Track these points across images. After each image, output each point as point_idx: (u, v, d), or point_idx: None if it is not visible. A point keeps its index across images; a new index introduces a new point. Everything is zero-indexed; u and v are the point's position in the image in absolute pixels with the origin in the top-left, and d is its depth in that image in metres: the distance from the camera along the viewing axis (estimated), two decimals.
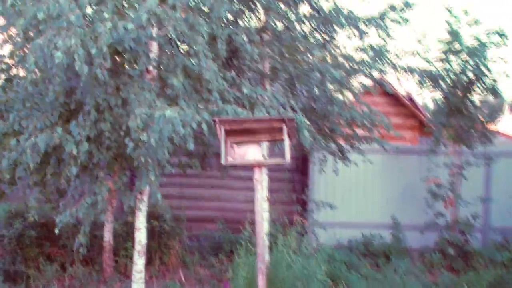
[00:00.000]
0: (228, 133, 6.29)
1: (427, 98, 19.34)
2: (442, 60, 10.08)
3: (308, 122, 7.10)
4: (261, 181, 6.39)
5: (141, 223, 7.19)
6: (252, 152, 6.35)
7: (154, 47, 6.73)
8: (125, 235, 9.84)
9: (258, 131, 6.40)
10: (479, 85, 10.03)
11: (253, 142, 6.58)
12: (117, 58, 6.67)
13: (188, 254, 10.57)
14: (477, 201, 10.43)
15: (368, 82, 9.25)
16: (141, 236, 7.21)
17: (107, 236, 9.26)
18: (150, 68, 6.86)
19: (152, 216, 9.87)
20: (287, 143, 6.23)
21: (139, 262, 7.20)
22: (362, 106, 8.83)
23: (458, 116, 10.19)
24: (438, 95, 10.55)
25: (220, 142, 6.22)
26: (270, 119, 6.26)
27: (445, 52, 10.07)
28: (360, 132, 9.16)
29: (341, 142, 9.32)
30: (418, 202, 11.23)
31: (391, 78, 9.19)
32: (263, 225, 6.41)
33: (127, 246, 9.59)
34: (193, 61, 6.43)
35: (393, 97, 15.69)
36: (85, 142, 6.14)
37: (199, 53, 6.35)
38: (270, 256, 7.73)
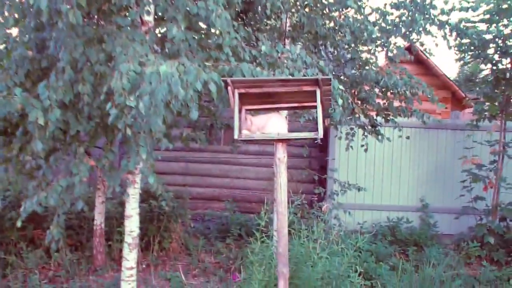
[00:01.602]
0: (243, 98, 4.66)
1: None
2: (488, 21, 8.29)
3: (341, 87, 5.42)
4: (285, 161, 4.75)
5: (132, 209, 5.57)
6: (274, 124, 4.73)
7: None
8: (119, 216, 8.28)
9: (281, 96, 4.77)
10: None
11: (274, 111, 4.95)
12: (102, 2, 4.99)
13: (191, 239, 9.00)
14: None
15: (400, 45, 7.48)
16: (132, 226, 5.60)
17: (98, 218, 7.69)
18: (146, 18, 5.19)
19: (150, 195, 8.35)
20: (320, 111, 4.60)
21: (129, 258, 5.59)
22: (397, 72, 7.12)
23: (507, 87, 8.47)
24: (479, 62, 8.80)
25: (232, 110, 4.60)
26: (300, 79, 4.60)
27: (491, 12, 8.29)
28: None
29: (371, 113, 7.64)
30: (450, 183, 9.66)
31: (424, 43, 7.30)
32: (286, 218, 4.77)
33: (122, 230, 8.06)
34: (199, 5, 4.72)
35: (422, 66, 13.88)
36: (56, 108, 4.47)
37: None
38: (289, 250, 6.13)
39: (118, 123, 4.34)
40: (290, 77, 5.14)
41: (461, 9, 7.22)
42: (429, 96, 6.83)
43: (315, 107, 4.81)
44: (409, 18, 6.77)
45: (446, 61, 57.87)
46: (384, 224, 9.48)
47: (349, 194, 9.01)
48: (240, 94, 4.58)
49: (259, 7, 6.36)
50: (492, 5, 8.18)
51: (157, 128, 4.08)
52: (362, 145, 7.68)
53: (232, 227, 9.35)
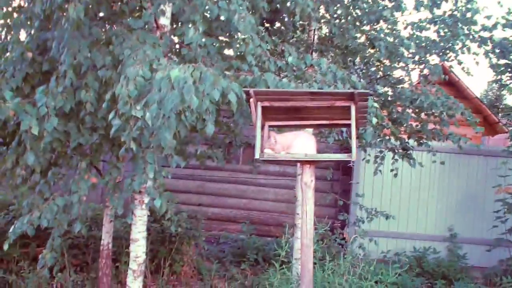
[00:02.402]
0: (267, 113, 4.00)
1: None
2: None
3: (376, 105, 4.72)
4: (312, 186, 4.07)
5: (139, 232, 4.91)
6: (301, 143, 4.06)
7: None
8: (128, 236, 7.63)
9: (310, 112, 4.10)
10: None
11: (301, 128, 4.28)
12: (113, 1, 4.38)
13: (204, 262, 8.29)
14: None
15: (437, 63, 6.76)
16: (138, 251, 4.93)
17: (106, 238, 6.99)
18: (161, 21, 4.57)
19: (162, 215, 7.66)
20: (354, 130, 3.92)
21: (133, 286, 4.91)
22: (433, 92, 6.41)
23: None
24: None
25: (254, 125, 3.94)
26: (333, 93, 3.94)
27: None
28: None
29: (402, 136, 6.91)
30: (481, 212, 8.87)
31: (462, 61, 6.57)
32: (311, 251, 4.08)
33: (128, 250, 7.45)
34: (219, 4, 4.06)
35: (453, 87, 13.03)
36: (53, 117, 3.83)
37: None
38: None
39: (122, 136, 3.69)
40: (321, 90, 4.46)
41: (504, 26, 6.51)
42: (468, 118, 6.10)
43: (348, 125, 4.14)
44: (449, 33, 6.07)
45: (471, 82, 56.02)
46: (410, 254, 8.71)
47: (373, 221, 8.27)
48: (264, 108, 3.91)
49: (286, 16, 5.72)
50: None
51: (167, 143, 3.41)
52: (392, 170, 6.95)
53: (248, 252, 8.64)
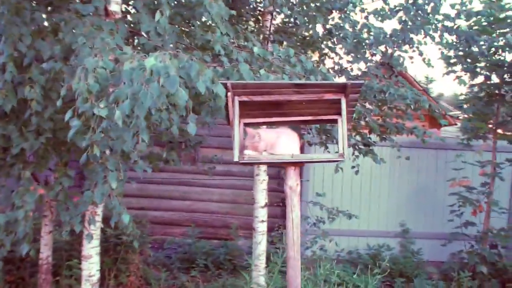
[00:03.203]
0: (242, 109, 3.43)
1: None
2: (482, 31, 7.28)
3: None
4: (298, 190, 3.55)
5: (92, 248, 4.25)
6: (286, 142, 3.54)
7: None
8: (69, 248, 6.89)
9: (292, 107, 3.59)
10: None
11: (281, 125, 3.75)
12: None
13: (151, 270, 7.62)
14: None
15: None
16: (91, 269, 4.28)
17: (45, 251, 6.22)
18: (112, 7, 3.91)
19: (104, 222, 6.95)
20: (344, 126, 3.44)
21: None
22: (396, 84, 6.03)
23: (499, 103, 7.52)
24: (467, 77, 7.81)
25: (231, 123, 3.39)
26: (323, 84, 3.46)
27: (481, 24, 7.30)
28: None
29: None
30: (433, 206, 8.65)
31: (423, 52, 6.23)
32: (299, 265, 3.58)
33: (72, 264, 6.68)
34: None
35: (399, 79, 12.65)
36: None
37: None
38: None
39: (79, 140, 3.03)
40: (309, 81, 3.95)
41: (468, 15, 6.22)
42: (436, 111, 5.76)
43: (333, 121, 3.67)
44: (419, 21, 5.68)
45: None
46: (365, 252, 8.37)
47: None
48: (241, 103, 3.37)
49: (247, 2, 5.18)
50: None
51: (129, 147, 2.78)
52: (353, 167, 6.53)
53: (197, 257, 8.03)
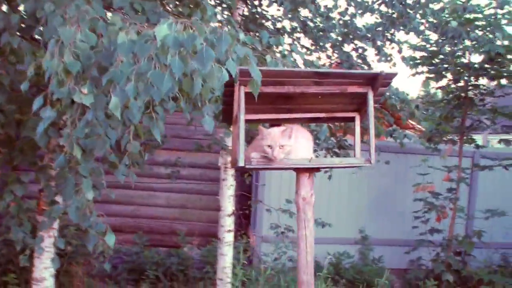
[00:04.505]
0: (246, 102, 2.74)
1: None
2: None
3: None
4: (312, 201, 2.90)
5: (45, 269, 3.41)
6: (303, 144, 2.90)
7: None
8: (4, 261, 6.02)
9: (304, 102, 2.94)
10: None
11: (291, 122, 3.07)
12: None
13: (97, 283, 6.77)
14: (485, 213, 7.35)
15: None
16: None
17: None
18: None
19: None
20: (372, 125, 2.83)
21: None
22: None
23: (465, 107, 7.13)
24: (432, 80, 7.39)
25: (235, 120, 2.73)
26: (348, 75, 2.82)
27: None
28: None
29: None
30: (394, 212, 8.19)
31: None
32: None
33: (7, 279, 5.80)
34: None
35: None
36: None
37: None
38: None
39: (41, 139, 2.24)
40: (334, 70, 3.30)
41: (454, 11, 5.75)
42: (424, 112, 5.27)
43: (350, 118, 3.05)
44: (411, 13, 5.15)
45: None
46: (322, 259, 7.80)
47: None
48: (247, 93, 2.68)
49: None
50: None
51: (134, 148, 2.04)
52: (326, 171, 5.94)
53: (147, 267, 7.19)
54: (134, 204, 8.92)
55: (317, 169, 2.84)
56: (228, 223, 5.46)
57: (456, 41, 6.03)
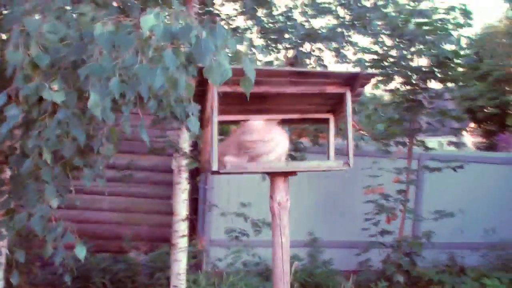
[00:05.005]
0: (223, 103, 2.61)
1: None
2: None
3: None
4: (288, 206, 2.77)
5: None
6: (280, 144, 2.77)
7: None
8: None
9: (279, 103, 2.82)
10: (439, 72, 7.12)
11: (270, 123, 2.93)
12: None
13: None
14: (434, 214, 7.43)
15: None
16: None
17: None
18: None
19: None
20: (350, 126, 2.74)
21: None
22: None
23: (414, 110, 7.19)
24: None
25: (207, 121, 2.57)
26: (328, 74, 2.71)
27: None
28: None
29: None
30: (343, 214, 8.17)
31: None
32: None
33: None
34: None
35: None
36: None
37: None
38: None
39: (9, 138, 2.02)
40: (313, 70, 3.19)
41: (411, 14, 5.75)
42: (382, 114, 5.22)
43: (324, 120, 2.95)
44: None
45: None
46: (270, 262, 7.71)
47: (220, 228, 7.17)
48: (221, 94, 2.53)
49: None
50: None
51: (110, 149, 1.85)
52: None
53: (94, 274, 6.86)
54: (77, 209, 8.53)
55: (294, 173, 2.72)
56: (182, 228, 5.27)
57: (412, 44, 6.04)
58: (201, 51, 1.65)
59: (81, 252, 2.45)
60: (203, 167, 2.72)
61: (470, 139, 21.53)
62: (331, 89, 2.66)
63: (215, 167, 2.47)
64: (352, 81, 2.62)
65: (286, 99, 2.73)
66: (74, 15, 2.06)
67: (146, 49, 1.69)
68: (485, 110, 21.87)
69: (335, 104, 2.85)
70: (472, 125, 22.07)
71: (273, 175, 2.70)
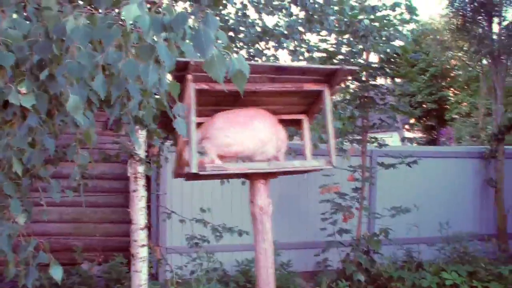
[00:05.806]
0: (201, 101, 2.45)
1: None
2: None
3: None
4: (270, 212, 2.63)
5: None
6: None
7: None
8: None
9: (250, 102, 2.66)
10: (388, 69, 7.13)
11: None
12: None
13: None
14: (390, 211, 7.43)
15: None
16: None
17: None
18: None
19: None
20: (330, 125, 2.62)
21: None
22: None
23: (366, 106, 7.17)
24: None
25: (186, 117, 2.39)
26: (306, 69, 2.59)
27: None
28: None
29: None
30: (298, 215, 8.09)
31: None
32: None
33: None
34: None
35: None
36: None
37: None
38: None
39: None
40: (292, 65, 3.05)
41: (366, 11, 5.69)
42: (342, 112, 5.14)
43: (298, 122, 2.82)
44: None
45: None
46: (235, 269, 7.53)
47: (175, 235, 7.02)
48: (199, 91, 2.37)
49: None
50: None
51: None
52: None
53: None
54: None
55: (274, 175, 2.57)
56: (141, 237, 5.03)
57: (366, 39, 6.00)
58: (202, 42, 1.47)
59: (57, 272, 2.21)
60: (177, 171, 2.52)
61: (410, 134, 21.98)
62: (308, 87, 2.52)
63: (194, 169, 2.30)
64: (332, 77, 2.50)
65: (260, 99, 2.58)
66: (36, 10, 1.84)
67: (129, 43, 1.51)
68: (424, 105, 22.37)
69: (310, 104, 2.72)
70: (412, 120, 22.54)
71: (253, 177, 2.54)
